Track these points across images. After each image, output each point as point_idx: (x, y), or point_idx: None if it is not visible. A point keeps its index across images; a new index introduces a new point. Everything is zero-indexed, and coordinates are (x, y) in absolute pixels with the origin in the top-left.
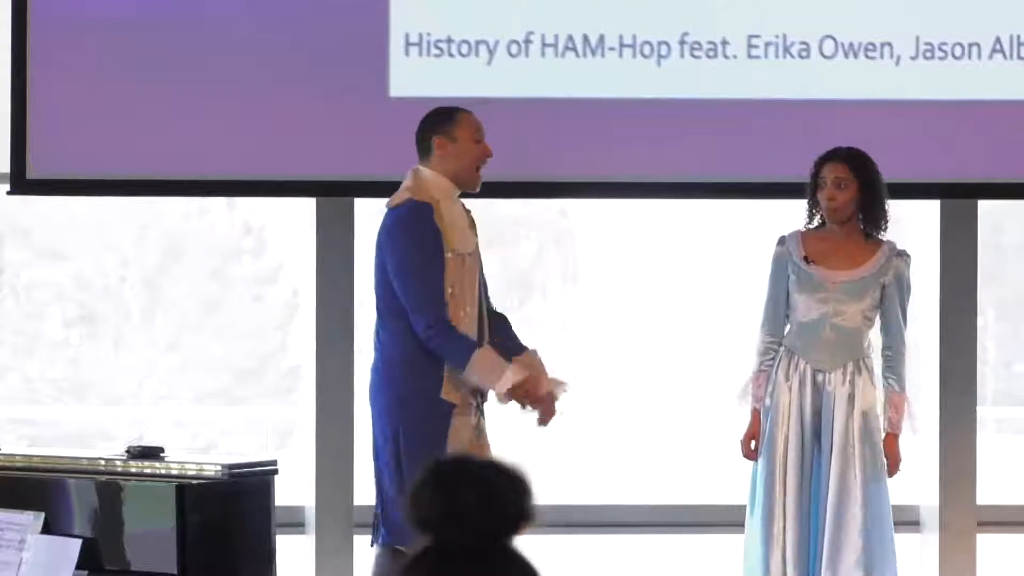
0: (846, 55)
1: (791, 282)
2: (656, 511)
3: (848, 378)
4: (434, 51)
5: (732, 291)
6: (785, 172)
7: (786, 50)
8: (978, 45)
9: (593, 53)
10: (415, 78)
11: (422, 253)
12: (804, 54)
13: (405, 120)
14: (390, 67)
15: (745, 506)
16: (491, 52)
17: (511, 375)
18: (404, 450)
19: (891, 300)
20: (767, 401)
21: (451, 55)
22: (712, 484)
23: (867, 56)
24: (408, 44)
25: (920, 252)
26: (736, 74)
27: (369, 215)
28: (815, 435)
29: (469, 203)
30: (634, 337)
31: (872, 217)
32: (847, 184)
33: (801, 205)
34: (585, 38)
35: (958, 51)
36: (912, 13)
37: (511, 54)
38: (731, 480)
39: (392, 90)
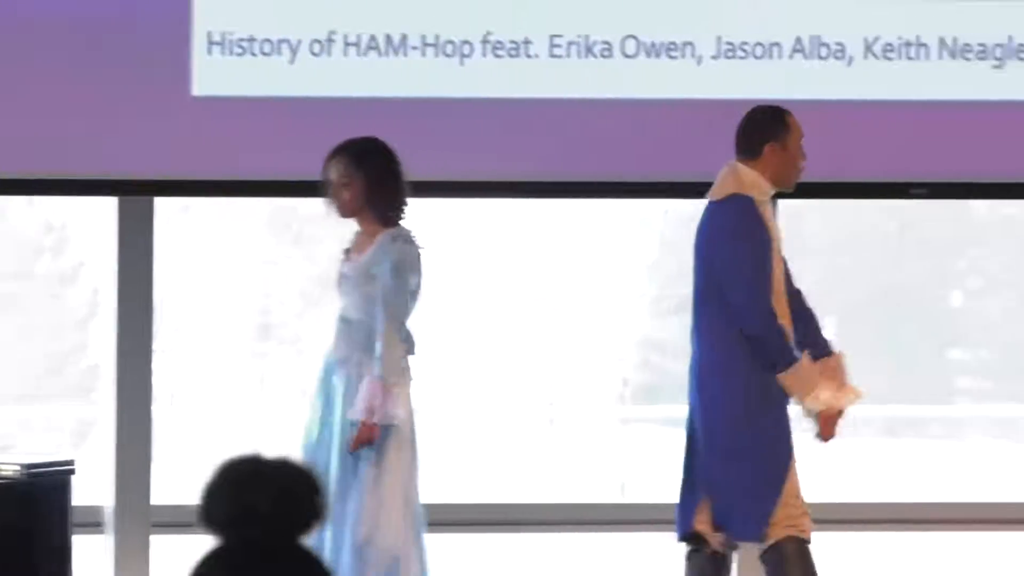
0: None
1: None
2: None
3: None
4: (236, 50)
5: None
6: None
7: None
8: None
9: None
10: (217, 77)
11: (754, 251)
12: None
13: (208, 119)
14: (193, 66)
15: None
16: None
17: (822, 397)
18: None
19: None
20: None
21: (254, 54)
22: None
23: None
24: (211, 43)
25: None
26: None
27: (170, 215)
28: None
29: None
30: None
31: None
32: None
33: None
34: (399, 37)
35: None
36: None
37: (314, 53)
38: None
39: (195, 89)
